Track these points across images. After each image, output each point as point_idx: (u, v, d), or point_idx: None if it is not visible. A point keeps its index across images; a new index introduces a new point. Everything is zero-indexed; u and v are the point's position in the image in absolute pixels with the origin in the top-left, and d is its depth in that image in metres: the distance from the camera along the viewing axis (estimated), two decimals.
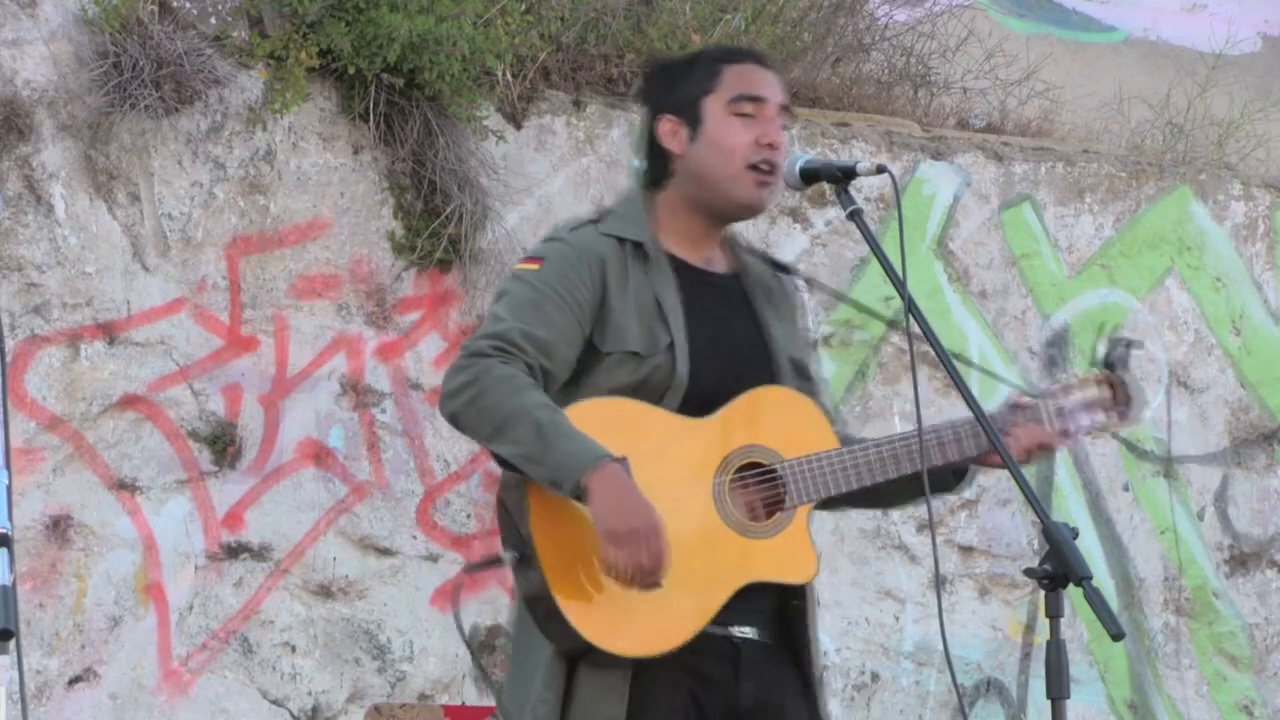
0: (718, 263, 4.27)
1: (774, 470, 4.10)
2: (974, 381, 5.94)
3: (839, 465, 4.11)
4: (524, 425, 3.92)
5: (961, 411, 4.15)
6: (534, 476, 3.96)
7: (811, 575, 4.11)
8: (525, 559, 4.02)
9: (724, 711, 4.09)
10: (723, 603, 4.04)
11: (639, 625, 4.01)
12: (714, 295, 4.22)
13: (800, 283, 4.44)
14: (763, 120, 4.17)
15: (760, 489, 4.11)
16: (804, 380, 4.27)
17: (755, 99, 4.18)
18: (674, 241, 4.21)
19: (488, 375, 3.97)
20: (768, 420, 4.11)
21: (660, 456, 4.05)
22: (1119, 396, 4.34)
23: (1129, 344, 4.39)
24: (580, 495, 3.91)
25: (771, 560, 4.08)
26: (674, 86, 4.24)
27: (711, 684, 4.08)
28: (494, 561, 4.16)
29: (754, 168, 4.16)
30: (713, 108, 4.18)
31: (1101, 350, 4.41)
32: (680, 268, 4.20)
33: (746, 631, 4.12)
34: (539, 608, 4.03)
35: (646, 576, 3.91)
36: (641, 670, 4.01)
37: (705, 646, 4.06)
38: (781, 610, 4.19)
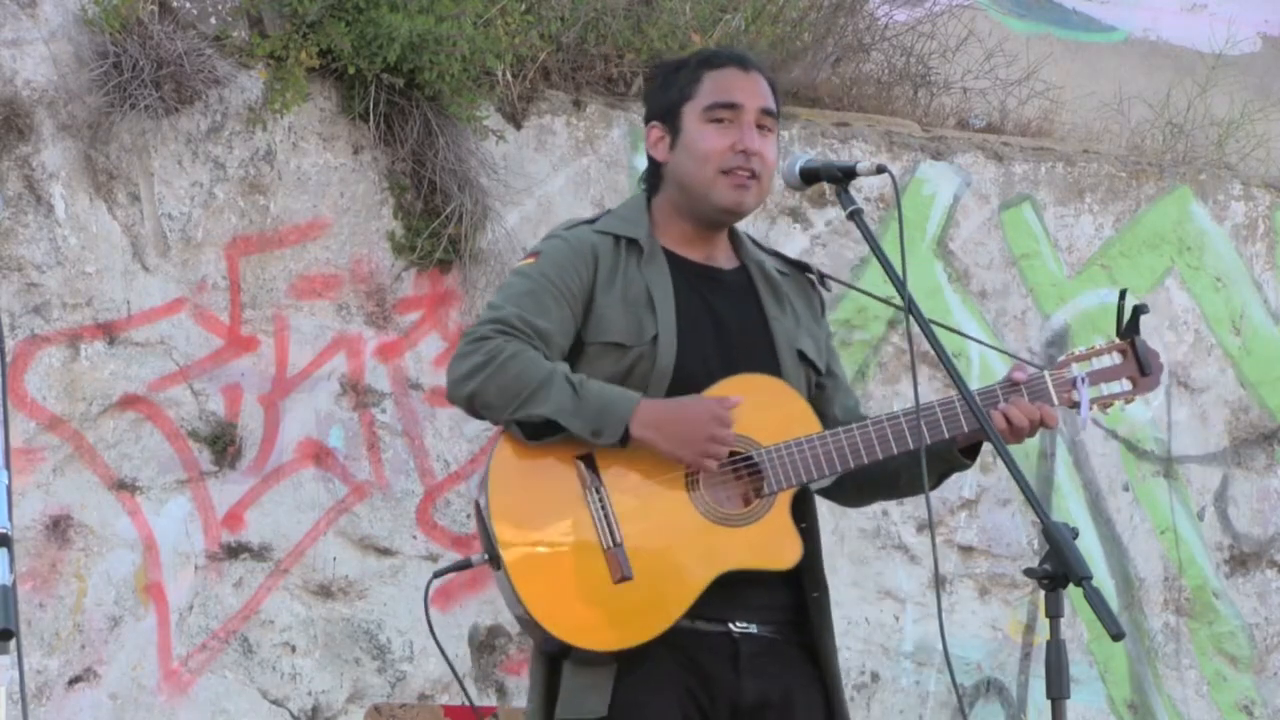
0: (721, 260, 4.29)
1: (750, 457, 4.08)
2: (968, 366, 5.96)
3: (819, 450, 4.09)
4: (555, 384, 4.00)
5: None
6: (572, 429, 4.00)
7: (791, 562, 4.08)
8: (495, 560, 4.02)
9: (726, 709, 4.07)
10: (698, 593, 4.01)
11: (612, 620, 4.00)
12: (714, 289, 4.24)
13: (815, 280, 4.40)
14: (739, 126, 4.19)
15: (741, 477, 4.09)
16: (816, 374, 4.27)
17: (730, 106, 4.21)
18: (672, 242, 4.25)
19: (501, 352, 4.03)
20: (745, 408, 4.07)
21: (630, 450, 4.04)
22: (1138, 363, 4.25)
23: (1139, 309, 4.27)
24: (624, 440, 3.99)
25: (748, 548, 4.05)
26: (661, 94, 4.30)
27: (710, 681, 4.06)
28: (463, 565, 4.16)
29: (729, 173, 4.18)
30: (690, 115, 4.23)
31: (1126, 311, 4.24)
32: (678, 263, 4.22)
33: (748, 627, 4.10)
34: (514, 610, 4.04)
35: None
36: (630, 667, 4.00)
37: (701, 643, 4.05)
38: (802, 605, 4.17)
